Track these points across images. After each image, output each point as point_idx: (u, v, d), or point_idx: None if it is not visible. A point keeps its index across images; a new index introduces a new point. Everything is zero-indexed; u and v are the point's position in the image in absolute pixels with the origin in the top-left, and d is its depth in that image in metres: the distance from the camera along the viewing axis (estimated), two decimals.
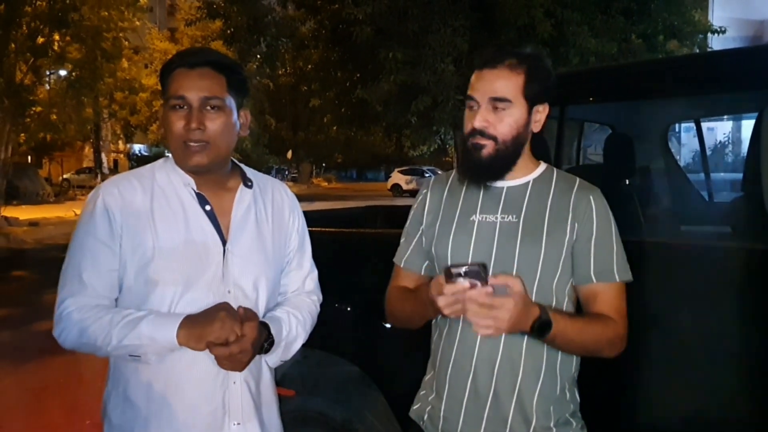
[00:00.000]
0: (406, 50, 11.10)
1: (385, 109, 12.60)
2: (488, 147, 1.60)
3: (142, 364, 1.58)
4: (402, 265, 1.82)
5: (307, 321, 1.81)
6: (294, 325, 1.74)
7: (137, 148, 46.37)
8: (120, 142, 41.88)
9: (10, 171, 19.38)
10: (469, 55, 10.84)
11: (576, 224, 1.60)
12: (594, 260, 1.59)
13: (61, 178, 36.58)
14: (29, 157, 33.23)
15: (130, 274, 1.59)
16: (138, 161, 35.66)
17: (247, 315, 1.59)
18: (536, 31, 10.82)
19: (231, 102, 1.63)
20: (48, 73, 21.15)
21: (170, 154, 1.71)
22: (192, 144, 1.59)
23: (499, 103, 1.58)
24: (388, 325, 2.28)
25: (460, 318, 1.58)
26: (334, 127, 19.22)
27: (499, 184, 1.66)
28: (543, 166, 1.71)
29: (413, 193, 29.24)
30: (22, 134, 20.21)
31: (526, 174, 1.67)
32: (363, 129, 15.94)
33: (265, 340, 1.62)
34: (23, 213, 19.83)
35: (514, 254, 1.58)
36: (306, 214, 1.95)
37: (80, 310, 1.55)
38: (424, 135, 13.55)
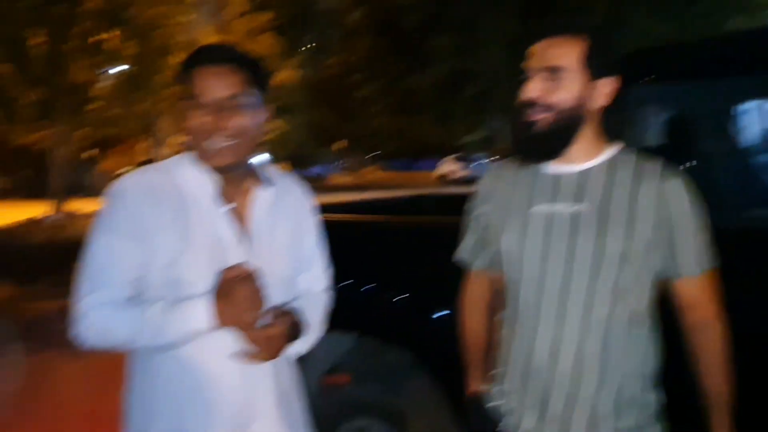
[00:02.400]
0: (454, 37, 10.99)
1: (434, 96, 12.52)
2: (543, 119, 1.48)
3: (164, 362, 1.57)
4: (463, 260, 1.78)
5: (323, 316, 1.81)
6: (314, 318, 1.74)
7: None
8: (175, 136, 42.75)
9: (72, 166, 20.02)
10: (520, 39, 10.64)
11: (659, 213, 1.46)
12: (684, 251, 1.48)
13: (119, 171, 37.60)
14: (89, 153, 34.22)
15: (154, 274, 1.55)
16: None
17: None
18: (591, 11, 10.56)
19: (256, 98, 1.60)
20: (104, 70, 21.71)
21: (188, 153, 1.67)
22: (218, 142, 1.55)
23: (554, 73, 1.47)
24: (440, 313, 2.26)
25: (522, 312, 1.55)
26: (383, 117, 19.21)
27: (563, 168, 1.53)
28: (618, 146, 1.56)
29: (462, 182, 29.10)
30: (82, 130, 20.78)
31: (594, 156, 1.53)
32: (411, 118, 15.89)
33: (293, 327, 1.62)
34: (85, 206, 20.48)
35: (580, 249, 1.47)
36: (354, 204, 1.94)
37: (102, 307, 1.53)
38: (474, 122, 13.44)
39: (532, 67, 1.50)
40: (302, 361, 2.78)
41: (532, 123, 1.50)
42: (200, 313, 1.49)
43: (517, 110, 1.53)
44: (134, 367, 1.67)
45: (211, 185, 1.61)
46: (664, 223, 1.47)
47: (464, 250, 1.77)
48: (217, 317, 1.49)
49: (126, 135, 29.35)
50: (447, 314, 2.17)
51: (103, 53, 19.22)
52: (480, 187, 1.72)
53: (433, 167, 40.14)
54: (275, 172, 1.79)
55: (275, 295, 1.62)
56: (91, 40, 18.68)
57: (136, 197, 1.56)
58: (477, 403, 1.73)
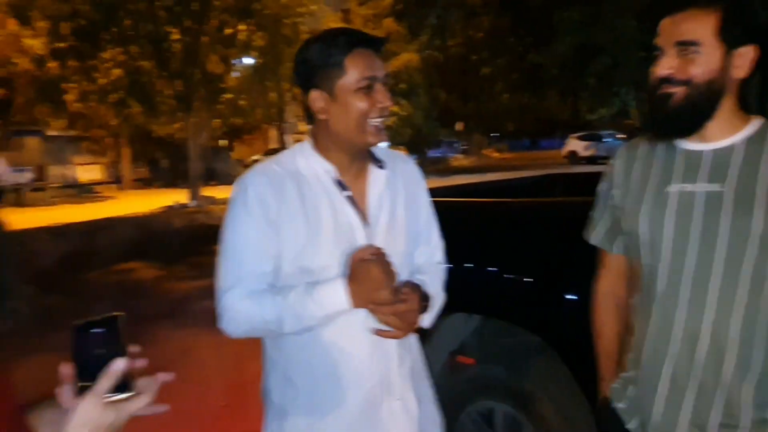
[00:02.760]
0: (582, 9, 10.59)
1: (560, 72, 12.16)
2: (678, 93, 1.42)
3: (299, 342, 1.63)
4: (593, 242, 1.72)
5: (442, 288, 1.83)
6: (436, 289, 1.77)
7: None
8: (302, 123, 44.22)
9: (207, 154, 21.23)
10: (650, 9, 10.09)
11: None
12: None
13: (251, 159, 39.40)
14: (222, 141, 36.08)
15: (287, 261, 1.62)
16: None
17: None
18: None
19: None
20: (235, 61, 22.78)
21: (305, 143, 1.73)
22: (376, 123, 1.61)
23: (686, 47, 1.40)
24: (571, 296, 2.20)
25: (658, 295, 1.49)
26: (506, 95, 18.88)
27: (700, 146, 1.46)
28: (758, 121, 1.46)
29: (591, 160, 28.04)
30: (216, 120, 21.93)
31: (733, 132, 1.44)
32: (536, 95, 15.53)
33: (422, 300, 1.64)
34: (220, 192, 21.66)
35: (720, 230, 1.39)
36: (477, 186, 1.92)
37: (245, 298, 1.60)
38: (602, 97, 12.98)
39: (664, 42, 1.44)
40: (430, 340, 2.82)
41: (667, 98, 1.43)
42: (336, 295, 1.54)
43: (651, 87, 1.47)
44: (271, 348, 1.75)
45: (332, 171, 1.66)
46: None
47: (597, 235, 1.71)
48: (352, 298, 1.53)
49: (256, 124, 30.70)
50: (577, 298, 2.10)
51: (235, 46, 20.16)
52: (612, 168, 1.65)
53: (558, 146, 39.03)
54: (385, 152, 1.82)
55: (398, 272, 1.64)
56: (225, 33, 19.64)
57: (262, 191, 1.62)
58: (606, 403, 1.67)
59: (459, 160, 45.20)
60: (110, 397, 0.97)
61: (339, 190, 1.67)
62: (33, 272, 10.42)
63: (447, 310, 2.66)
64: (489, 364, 2.64)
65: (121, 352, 0.99)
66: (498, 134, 50.42)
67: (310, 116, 1.68)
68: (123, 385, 0.99)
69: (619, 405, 1.62)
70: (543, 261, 2.37)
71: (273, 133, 39.37)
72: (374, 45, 1.63)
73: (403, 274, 1.68)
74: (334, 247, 1.62)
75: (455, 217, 2.92)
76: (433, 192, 3.52)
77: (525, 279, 2.45)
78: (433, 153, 43.40)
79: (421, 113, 33.15)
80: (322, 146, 1.69)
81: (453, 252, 2.64)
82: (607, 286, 1.72)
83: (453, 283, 2.61)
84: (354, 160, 1.69)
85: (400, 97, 32.23)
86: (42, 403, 1.12)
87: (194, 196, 19.87)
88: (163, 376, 1.07)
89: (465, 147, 46.27)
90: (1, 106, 21.31)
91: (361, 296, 1.53)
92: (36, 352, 6.05)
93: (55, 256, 12.15)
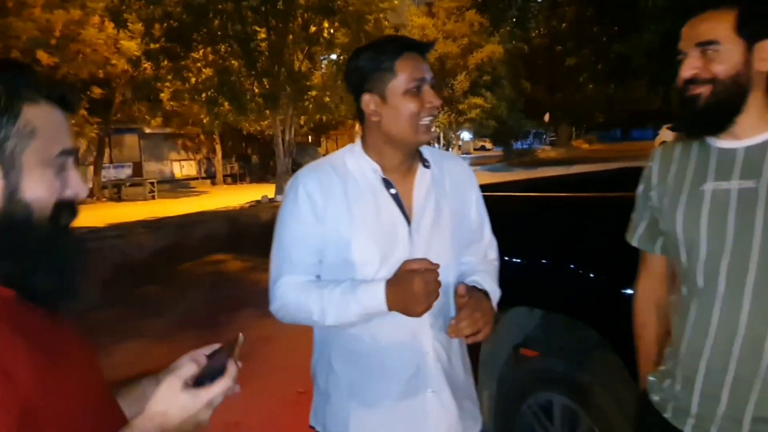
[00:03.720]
0: None
1: (647, 61, 11.76)
2: (705, 92, 1.45)
3: (344, 334, 1.73)
4: (634, 243, 1.76)
5: (496, 286, 1.86)
6: (490, 287, 1.81)
7: None
8: None
9: (294, 150, 21.77)
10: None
11: None
12: None
13: None
14: (309, 137, 36.82)
15: (331, 254, 1.72)
16: None
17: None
18: None
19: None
20: (321, 58, 23.20)
21: (356, 144, 1.83)
22: (427, 123, 1.71)
23: (707, 47, 1.44)
24: (627, 292, 2.22)
25: (696, 292, 1.52)
26: (591, 86, 18.42)
27: (733, 144, 1.48)
28: None
29: None
30: (302, 116, 22.41)
31: (764, 128, 1.46)
32: (623, 85, 15.05)
33: (483, 303, 1.70)
34: None
35: (756, 226, 1.41)
36: (553, 179, 1.97)
37: (294, 288, 1.71)
38: None
39: (686, 46, 1.49)
40: (494, 334, 2.89)
41: (696, 99, 1.47)
42: (376, 297, 1.62)
43: (678, 90, 1.51)
44: (318, 335, 1.88)
45: (379, 170, 1.76)
46: None
47: (638, 237, 1.75)
48: (389, 303, 1.61)
49: (341, 120, 31.18)
50: (632, 292, 2.13)
51: (319, 43, 20.54)
52: (649, 170, 1.69)
53: (651, 137, 37.67)
54: (433, 151, 1.90)
55: (442, 270, 1.72)
56: (309, 31, 20.03)
57: (311, 188, 1.74)
58: (644, 396, 1.71)
59: (546, 151, 44.34)
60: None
61: (385, 188, 1.76)
62: (131, 263, 11.09)
63: (508, 304, 2.75)
64: (552, 357, 2.68)
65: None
66: (587, 125, 49.11)
67: (361, 119, 1.79)
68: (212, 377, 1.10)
69: (655, 398, 1.65)
70: (600, 256, 2.40)
71: (358, 128, 39.79)
72: (421, 49, 1.73)
73: (448, 273, 1.75)
74: (376, 243, 1.70)
75: (520, 211, 2.98)
76: (503, 186, 3.57)
77: (581, 273, 2.48)
78: (520, 145, 42.77)
79: (506, 105, 32.76)
80: (371, 147, 1.78)
81: (516, 246, 2.72)
82: (648, 288, 1.76)
83: (514, 277, 2.70)
84: (404, 159, 1.77)
85: (484, 89, 31.99)
86: (131, 383, 1.24)
87: (280, 190, 20.42)
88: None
89: (553, 138, 45.35)
90: (102, 105, 22.51)
91: (398, 304, 1.60)
92: (132, 338, 6.49)
93: (151, 248, 12.84)
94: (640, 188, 1.71)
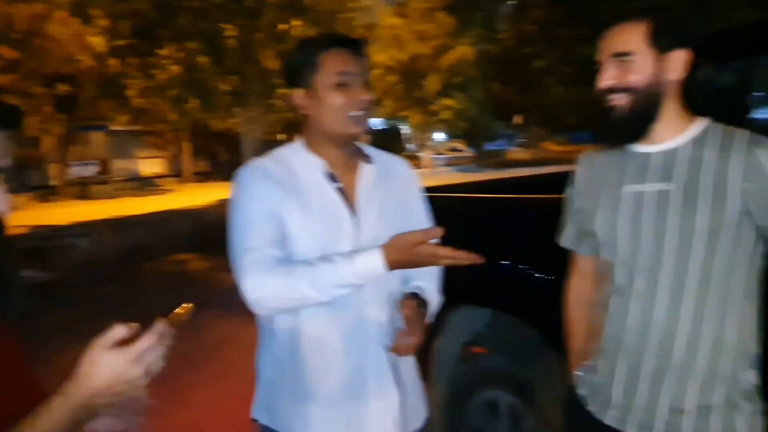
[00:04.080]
0: (629, 2, 10.37)
1: None
2: (622, 101, 1.52)
3: (290, 327, 1.73)
4: (563, 244, 1.84)
5: (437, 290, 1.90)
6: (431, 290, 1.85)
7: (372, 122, 48.84)
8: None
9: (262, 149, 21.64)
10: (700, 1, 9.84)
11: (751, 185, 1.42)
12: None
13: None
14: (278, 136, 36.64)
15: (291, 247, 1.71)
16: (374, 134, 37.50)
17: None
18: None
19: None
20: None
21: (297, 141, 1.83)
22: (356, 115, 1.72)
23: (622, 58, 1.51)
24: None
25: (614, 289, 1.59)
26: (559, 88, 18.64)
27: (649, 148, 1.56)
28: (701, 123, 1.55)
29: None
30: (272, 115, 22.31)
31: (678, 134, 1.54)
32: (590, 87, 15.23)
33: (422, 313, 1.75)
34: None
35: (668, 227, 1.48)
36: (514, 180, 1.99)
37: (267, 273, 1.62)
38: None
39: (603, 57, 1.55)
40: (444, 332, 2.90)
41: (613, 108, 1.54)
42: (375, 265, 1.57)
43: (596, 100, 1.57)
44: (264, 329, 1.88)
45: (322, 165, 1.77)
46: (761, 192, 1.43)
47: (566, 237, 1.83)
48: (390, 264, 1.58)
49: None
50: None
51: (289, 42, 20.45)
52: (575, 174, 1.76)
53: None
54: (376, 151, 1.92)
55: None
56: (278, 29, 19.93)
57: (258, 180, 1.74)
58: (571, 390, 1.78)
59: (517, 153, 44.72)
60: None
61: (329, 183, 1.77)
62: (93, 262, 10.93)
63: (458, 302, 2.77)
64: (496, 354, 2.71)
65: None
66: (557, 127, 49.62)
67: (300, 114, 1.80)
68: None
69: (581, 392, 1.72)
70: (544, 256, 2.42)
71: None
72: (351, 45, 1.74)
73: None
74: (319, 235, 1.71)
75: (470, 211, 3.00)
76: (456, 187, 3.56)
77: (526, 273, 2.51)
78: (491, 146, 43.02)
79: (476, 106, 32.94)
80: (311, 142, 1.80)
81: (465, 245, 2.72)
82: (578, 287, 1.83)
83: (464, 276, 2.71)
84: (342, 153, 1.79)
85: (455, 91, 32.13)
86: None
87: None
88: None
89: (523, 140, 45.74)
90: (67, 102, 22.15)
91: (398, 263, 1.58)
92: (89, 337, 6.39)
93: (114, 247, 12.66)
94: (568, 191, 1.78)
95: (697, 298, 1.47)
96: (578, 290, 1.83)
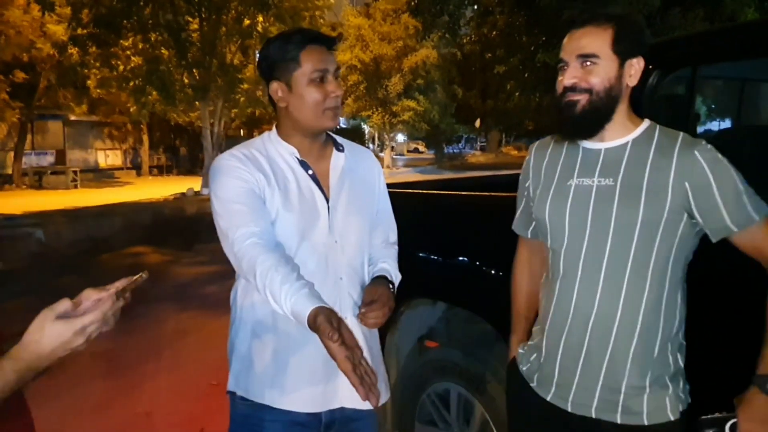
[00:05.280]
0: (591, 9, 10.60)
1: None
2: (582, 100, 1.61)
3: (268, 308, 1.74)
4: (517, 227, 1.95)
5: (397, 268, 2.00)
6: (395, 273, 1.96)
7: None
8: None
9: (223, 143, 21.48)
10: (661, 13, 10.13)
11: (685, 183, 1.54)
12: (726, 210, 1.53)
13: None
14: (241, 131, 36.35)
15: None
16: (337, 132, 37.29)
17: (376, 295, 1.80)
18: None
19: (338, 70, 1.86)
20: (255, 52, 22.96)
21: (271, 131, 1.93)
22: (330, 109, 1.82)
23: (586, 59, 1.59)
24: None
25: (559, 275, 1.69)
26: (518, 94, 18.91)
27: (596, 145, 1.66)
28: (645, 124, 1.66)
29: None
30: (233, 110, 22.16)
31: (625, 134, 1.65)
32: (549, 94, 15.50)
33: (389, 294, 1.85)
34: None
35: (610, 219, 1.59)
36: (468, 180, 2.08)
37: (254, 247, 1.68)
38: None
39: (568, 56, 1.64)
40: (399, 326, 2.99)
41: (573, 105, 1.63)
42: (303, 314, 1.58)
43: (557, 95, 1.67)
44: (239, 313, 1.92)
45: (296, 153, 1.87)
46: (697, 189, 1.55)
47: (518, 224, 1.95)
48: (310, 325, 1.57)
49: (274, 114, 30.92)
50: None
51: (253, 37, 20.35)
52: (527, 163, 1.87)
53: None
54: (344, 140, 2.03)
55: (356, 243, 1.88)
56: (243, 24, 19.82)
57: (237, 163, 1.82)
58: (514, 366, 1.90)
59: (476, 156, 45.19)
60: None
61: (303, 170, 1.86)
62: (47, 253, 10.74)
63: (414, 296, 2.85)
64: (450, 348, 2.80)
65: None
66: (516, 132, 50.25)
67: (273, 105, 1.90)
68: None
69: (523, 368, 1.84)
70: (497, 252, 2.52)
71: None
72: (326, 42, 1.83)
73: (362, 249, 1.91)
74: (297, 218, 1.80)
75: (428, 207, 3.09)
76: (416, 184, 3.63)
77: (479, 269, 2.61)
78: (452, 149, 43.43)
79: (438, 109, 33.22)
80: (284, 132, 1.89)
81: (422, 240, 2.82)
82: (524, 256, 1.98)
83: (420, 270, 2.80)
84: (314, 142, 1.89)
85: (417, 93, 32.34)
86: None
87: (207, 183, 20.08)
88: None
89: (483, 144, 46.26)
90: (25, 89, 21.68)
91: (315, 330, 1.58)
92: None
93: (69, 239, 12.46)
94: (521, 179, 1.89)
95: (635, 286, 1.58)
96: (524, 259, 1.97)
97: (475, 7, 15.07)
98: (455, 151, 47.40)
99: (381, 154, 36.37)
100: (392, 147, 38.55)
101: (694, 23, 10.12)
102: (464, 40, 21.26)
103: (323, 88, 1.80)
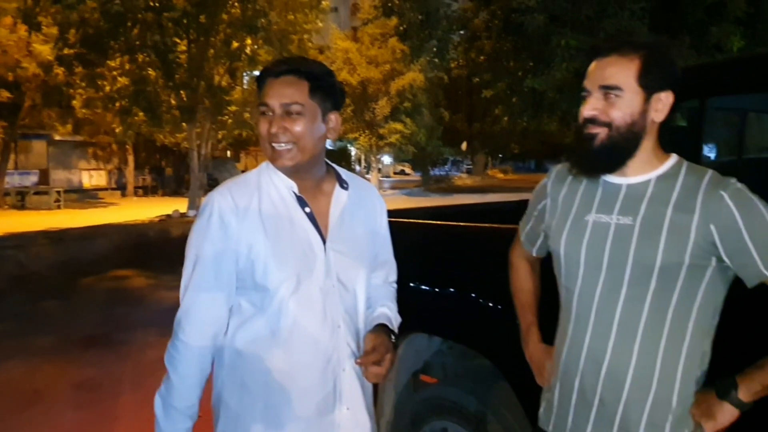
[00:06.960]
0: (579, 36, 10.70)
1: (559, 97, 12.25)
2: (601, 134, 1.51)
3: (259, 355, 1.70)
4: (522, 238, 1.89)
5: (397, 309, 1.94)
6: (395, 316, 1.89)
7: None
8: None
9: (209, 165, 21.39)
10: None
11: (710, 225, 1.43)
12: (758, 254, 1.41)
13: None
14: (228, 152, 36.25)
15: (248, 274, 1.69)
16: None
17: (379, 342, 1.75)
18: (728, 8, 9.95)
19: (313, 107, 1.70)
20: (243, 75, 22.98)
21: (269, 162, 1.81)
22: (277, 146, 1.69)
23: (610, 91, 1.50)
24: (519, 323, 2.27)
25: (572, 316, 1.61)
26: (506, 118, 19.00)
27: (618, 180, 1.56)
28: (672, 160, 1.56)
29: None
30: (221, 131, 22.09)
31: (649, 170, 1.54)
32: (536, 119, 15.58)
33: (389, 341, 1.78)
34: None
35: (627, 260, 1.49)
36: (464, 207, 2.04)
37: (207, 305, 1.69)
38: None
39: (591, 85, 1.54)
40: (395, 359, 2.89)
41: (592, 138, 1.53)
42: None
43: (577, 126, 1.57)
44: (226, 362, 1.79)
45: (294, 187, 1.75)
46: (725, 233, 1.44)
47: (523, 230, 1.88)
48: None
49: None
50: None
51: (240, 60, 20.36)
52: (546, 182, 1.77)
53: None
54: (350, 175, 1.91)
55: (355, 287, 1.78)
56: (231, 47, 19.81)
57: (224, 208, 1.70)
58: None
59: (463, 179, 45.37)
60: None
61: (300, 207, 1.75)
62: (28, 276, 10.54)
63: (409, 330, 2.76)
64: (448, 385, 2.71)
65: None
66: (502, 155, 50.62)
67: None
68: None
69: (540, 411, 1.77)
70: (496, 286, 2.44)
71: None
72: (274, 74, 1.71)
73: (360, 292, 1.80)
74: (292, 261, 1.69)
75: (424, 238, 3.01)
76: (410, 213, 3.55)
77: (477, 302, 2.52)
78: (438, 171, 43.58)
79: (425, 132, 33.30)
80: None
81: (418, 272, 2.74)
82: (520, 252, 1.92)
83: (415, 303, 2.71)
84: (310, 178, 1.77)
85: (404, 115, 32.44)
86: None
87: (193, 205, 19.95)
88: None
89: (469, 167, 46.47)
90: (9, 109, 21.49)
91: None
92: (20, 355, 6.14)
93: (51, 261, 12.25)
94: (534, 195, 1.82)
95: (651, 333, 1.49)
96: (521, 254, 1.92)
97: (462, 32, 15.13)
98: (442, 173, 47.56)
99: (367, 176, 36.36)
100: (379, 169, 38.56)
101: (681, 51, 10.20)
102: (452, 65, 21.41)
103: (265, 122, 1.69)
